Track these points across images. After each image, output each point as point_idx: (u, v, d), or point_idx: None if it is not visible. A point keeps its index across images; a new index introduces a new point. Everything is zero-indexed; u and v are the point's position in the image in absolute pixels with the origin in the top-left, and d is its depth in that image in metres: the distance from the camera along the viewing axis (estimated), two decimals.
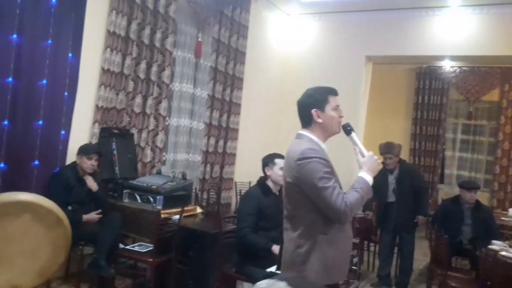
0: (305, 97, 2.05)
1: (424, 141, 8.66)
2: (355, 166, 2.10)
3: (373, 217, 4.83)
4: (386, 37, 6.28)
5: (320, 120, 1.99)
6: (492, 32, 5.76)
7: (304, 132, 2.03)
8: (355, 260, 3.44)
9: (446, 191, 8.23)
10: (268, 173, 3.27)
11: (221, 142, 6.05)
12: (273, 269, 2.84)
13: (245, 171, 6.01)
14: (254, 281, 3.14)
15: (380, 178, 4.30)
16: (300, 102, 2.06)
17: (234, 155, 6.36)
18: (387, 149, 4.40)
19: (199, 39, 5.32)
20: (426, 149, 8.65)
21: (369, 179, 1.98)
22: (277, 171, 3.19)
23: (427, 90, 8.66)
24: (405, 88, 8.98)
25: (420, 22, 6.16)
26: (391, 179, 4.44)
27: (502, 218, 6.02)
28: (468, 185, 4.44)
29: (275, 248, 3.00)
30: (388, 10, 6.22)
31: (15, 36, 3.43)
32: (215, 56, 5.70)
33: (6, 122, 3.44)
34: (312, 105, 2.00)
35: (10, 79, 3.43)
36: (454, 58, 7.09)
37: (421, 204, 4.40)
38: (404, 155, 8.84)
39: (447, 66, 8.31)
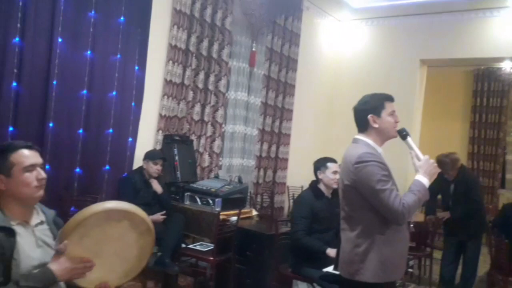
0: (362, 103, 2.15)
1: (483, 145, 8.36)
2: (410, 170, 2.17)
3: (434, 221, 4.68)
4: (442, 40, 6.18)
5: (376, 125, 2.08)
6: None
7: (361, 137, 2.13)
8: (411, 263, 3.45)
9: (508, 196, 7.89)
10: (320, 176, 3.37)
11: (273, 147, 6.21)
12: (329, 269, 2.94)
13: (297, 176, 6.12)
14: (311, 281, 3.27)
15: (443, 184, 4.27)
16: (357, 108, 2.16)
17: (286, 160, 6.50)
18: (439, 166, 4.28)
19: (253, 49, 5.53)
20: (485, 153, 8.34)
21: (426, 181, 2.03)
22: (329, 174, 3.29)
23: (485, 92, 8.37)
24: (462, 91, 8.72)
25: (477, 23, 6.01)
26: (452, 187, 4.34)
27: None
28: None
29: (330, 251, 3.09)
30: (443, 13, 6.13)
31: (89, 52, 3.78)
32: (268, 64, 5.89)
33: (81, 131, 3.80)
34: (368, 111, 2.09)
35: (85, 91, 3.78)
36: None
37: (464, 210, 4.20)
38: (462, 159, 8.56)
39: (507, 67, 7.99)
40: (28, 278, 1.49)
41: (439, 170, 2.09)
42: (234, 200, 4.27)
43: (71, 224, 1.53)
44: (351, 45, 6.99)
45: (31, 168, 1.62)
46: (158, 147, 4.47)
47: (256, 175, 5.93)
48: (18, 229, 1.60)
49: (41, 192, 1.65)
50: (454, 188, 4.27)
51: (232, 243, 3.79)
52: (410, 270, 3.39)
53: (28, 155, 1.64)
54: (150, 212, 3.90)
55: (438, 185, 4.26)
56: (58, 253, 1.54)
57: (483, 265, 4.83)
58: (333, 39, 7.07)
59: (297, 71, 6.44)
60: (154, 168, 3.95)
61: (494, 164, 8.25)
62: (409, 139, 2.11)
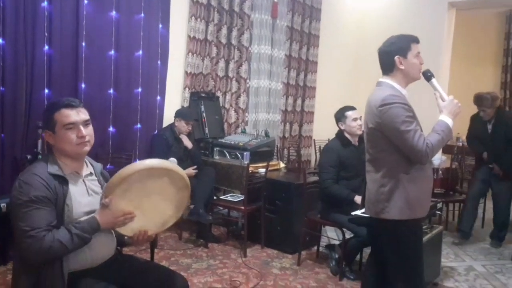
0: (388, 44, 2.14)
1: None
2: (435, 112, 2.17)
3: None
4: None
5: (402, 67, 2.08)
6: None
7: (385, 80, 2.14)
8: (439, 205, 3.50)
9: None
10: (342, 127, 3.42)
11: (299, 101, 6.22)
12: (358, 212, 3.04)
13: (324, 129, 6.14)
14: (339, 225, 3.39)
15: (480, 125, 4.24)
16: (382, 49, 2.16)
17: (312, 113, 6.52)
18: (477, 102, 4.24)
19: (275, 0, 5.43)
20: None
21: (450, 122, 2.06)
22: (350, 122, 3.34)
23: None
24: (494, 34, 8.36)
25: None
26: (489, 128, 4.28)
27: None
28: None
29: (357, 199, 3.19)
30: None
31: (114, 12, 3.83)
32: (290, 15, 5.80)
33: (111, 90, 3.92)
34: (395, 52, 2.09)
35: (112, 51, 3.87)
36: None
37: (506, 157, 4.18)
38: None
39: None
40: (77, 226, 1.64)
41: (461, 110, 2.10)
42: (262, 153, 4.38)
43: (116, 179, 1.65)
44: None
45: (71, 125, 1.71)
46: (186, 104, 4.57)
47: (282, 129, 5.99)
48: (70, 178, 1.74)
49: (85, 148, 1.75)
50: (492, 129, 4.22)
51: (262, 194, 3.93)
52: (438, 212, 3.45)
53: (68, 114, 1.71)
54: (182, 167, 4.03)
55: (474, 127, 4.24)
56: (103, 206, 1.67)
57: None
58: None
59: (321, 21, 6.32)
60: (186, 127, 4.07)
61: None
62: (433, 80, 2.12)
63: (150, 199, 1.75)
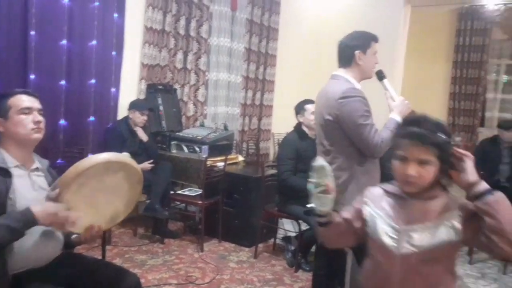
0: (350, 38, 2.19)
1: (465, 84, 8.47)
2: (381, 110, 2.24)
3: None
4: None
5: (360, 62, 2.14)
6: None
7: (340, 73, 2.19)
8: None
9: (486, 134, 8.08)
10: (301, 120, 3.47)
11: (258, 95, 6.23)
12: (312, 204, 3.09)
13: (282, 122, 6.16)
14: (295, 217, 3.43)
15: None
16: (344, 42, 2.20)
17: (271, 106, 6.55)
18: None
19: None
20: (466, 93, 8.46)
21: (399, 120, 2.12)
22: (309, 116, 3.39)
23: (468, 31, 8.35)
24: (446, 30, 8.67)
25: None
26: None
27: None
28: (506, 124, 4.46)
29: None
30: None
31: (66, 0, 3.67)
32: (250, 7, 5.78)
33: (63, 82, 3.76)
34: (356, 47, 2.15)
35: (64, 41, 3.70)
36: None
37: None
38: (444, 99, 8.74)
39: (491, 4, 7.94)
40: (8, 216, 1.52)
41: (411, 110, 2.18)
42: (220, 147, 4.36)
43: (72, 173, 1.58)
44: None
45: (27, 110, 1.70)
46: (142, 96, 4.47)
47: (241, 122, 5.99)
48: (16, 171, 1.67)
49: (37, 135, 1.72)
50: None
51: (220, 188, 3.92)
52: None
53: (25, 99, 1.72)
54: (137, 161, 3.93)
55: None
56: (48, 199, 1.60)
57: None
58: None
59: (280, 15, 6.34)
60: (141, 118, 3.98)
61: (475, 103, 8.40)
62: (385, 80, 2.20)
63: (104, 194, 1.71)
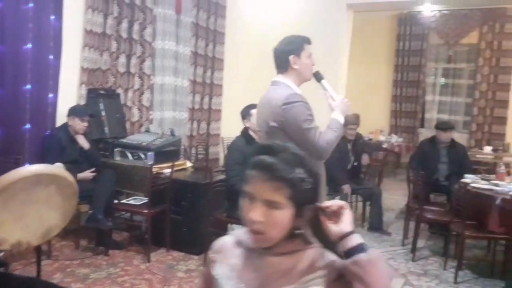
0: (283, 44, 2.21)
1: (406, 87, 8.86)
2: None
3: None
4: None
5: (296, 66, 2.16)
6: None
7: (280, 79, 2.20)
8: (337, 198, 3.70)
9: (426, 134, 8.49)
10: (247, 125, 3.46)
11: (206, 99, 6.17)
12: None
13: (232, 126, 6.13)
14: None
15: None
16: (278, 49, 2.22)
17: (219, 111, 6.50)
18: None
19: None
20: (407, 95, 8.86)
21: (342, 119, 2.19)
22: (255, 120, 3.36)
23: (408, 36, 8.76)
24: (387, 35, 9.05)
25: None
26: None
27: (478, 155, 6.34)
28: (443, 126, 4.69)
29: None
30: None
31: None
32: (195, 11, 5.71)
33: None
34: (289, 52, 2.16)
35: None
36: (434, 1, 7.10)
37: None
38: (386, 102, 9.09)
39: (427, 10, 8.35)
40: None
41: (351, 109, 2.25)
42: (167, 153, 4.25)
43: None
44: None
45: None
46: (82, 102, 4.27)
47: (189, 127, 5.89)
48: None
49: None
50: None
51: (167, 195, 3.81)
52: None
53: None
54: (78, 170, 3.80)
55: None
56: None
57: (404, 199, 5.28)
58: None
59: (226, 18, 6.31)
60: (81, 125, 3.80)
61: (415, 105, 8.82)
62: (324, 81, 2.21)
63: (34, 208, 1.60)
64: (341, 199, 4.35)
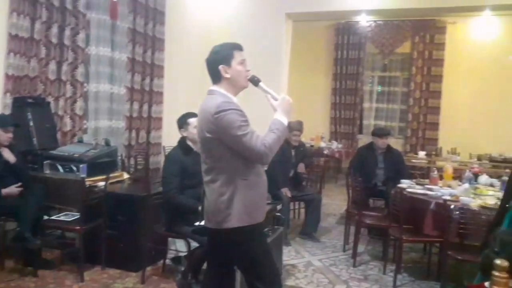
0: (212, 54, 2.14)
1: (344, 95, 9.13)
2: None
3: None
4: None
5: (228, 75, 2.09)
6: None
7: (215, 88, 2.13)
8: (279, 207, 3.67)
9: (365, 140, 8.79)
10: (184, 134, 3.35)
11: (145, 107, 5.96)
12: (202, 222, 2.97)
13: (174, 135, 5.97)
14: (184, 236, 3.28)
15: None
16: (208, 59, 2.15)
17: (160, 119, 6.31)
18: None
19: None
20: (346, 103, 9.14)
21: (284, 120, 2.11)
22: (192, 130, 3.28)
23: (345, 45, 9.05)
24: (326, 45, 9.30)
25: None
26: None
27: (413, 160, 6.63)
28: (379, 132, 4.84)
29: None
30: None
31: None
32: (132, 16, 5.51)
33: None
34: (218, 62, 2.09)
35: None
36: (369, 12, 7.38)
37: None
38: (326, 109, 9.32)
39: (364, 20, 8.68)
40: None
41: (293, 108, 2.18)
42: (101, 165, 4.02)
43: None
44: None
45: None
46: (7, 111, 3.96)
47: (127, 136, 5.65)
48: None
49: None
50: None
51: (102, 210, 3.60)
52: (278, 214, 3.60)
53: None
54: (3, 185, 3.50)
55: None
56: None
57: (344, 204, 5.37)
58: None
59: (166, 24, 6.15)
60: (5, 136, 3.51)
61: (354, 112, 9.10)
62: (261, 84, 2.15)
63: None
64: (282, 206, 4.35)
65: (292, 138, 4.67)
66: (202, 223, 2.94)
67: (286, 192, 4.63)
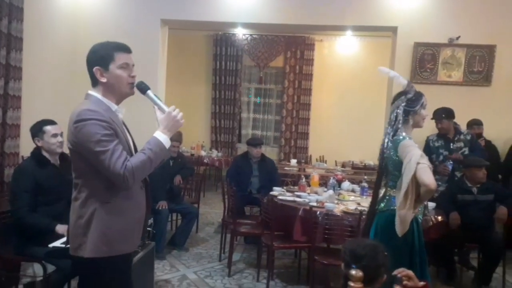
0: (89, 53, 1.86)
1: (224, 105, 9.23)
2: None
3: None
4: (181, 1, 6.28)
5: (104, 80, 1.82)
6: (277, 0, 6.20)
7: (93, 92, 1.85)
8: (150, 221, 3.47)
9: (244, 149, 8.93)
10: (39, 144, 2.99)
11: None
12: (57, 243, 2.66)
13: (33, 143, 5.39)
14: (38, 260, 2.90)
15: None
16: (86, 58, 1.86)
17: (17, 126, 5.60)
18: None
19: None
20: (225, 112, 9.25)
21: (164, 138, 1.82)
22: (49, 139, 2.96)
23: (224, 56, 9.17)
24: (205, 54, 9.32)
25: None
26: None
27: (286, 168, 6.93)
28: (253, 142, 4.96)
29: (60, 228, 2.81)
30: None
31: None
32: None
33: None
34: (94, 63, 1.82)
35: None
36: (245, 25, 7.54)
37: None
38: (206, 118, 9.32)
39: (240, 33, 8.89)
40: None
41: (181, 124, 1.87)
42: None
43: None
44: None
45: None
46: None
47: None
48: None
49: None
50: None
51: None
52: (149, 229, 3.40)
53: None
54: None
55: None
56: None
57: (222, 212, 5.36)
58: None
59: (24, 22, 5.52)
60: None
61: (233, 122, 9.25)
62: (149, 92, 1.87)
63: None
64: (160, 220, 4.16)
65: (171, 150, 4.49)
66: (58, 243, 2.65)
67: (163, 205, 4.44)
